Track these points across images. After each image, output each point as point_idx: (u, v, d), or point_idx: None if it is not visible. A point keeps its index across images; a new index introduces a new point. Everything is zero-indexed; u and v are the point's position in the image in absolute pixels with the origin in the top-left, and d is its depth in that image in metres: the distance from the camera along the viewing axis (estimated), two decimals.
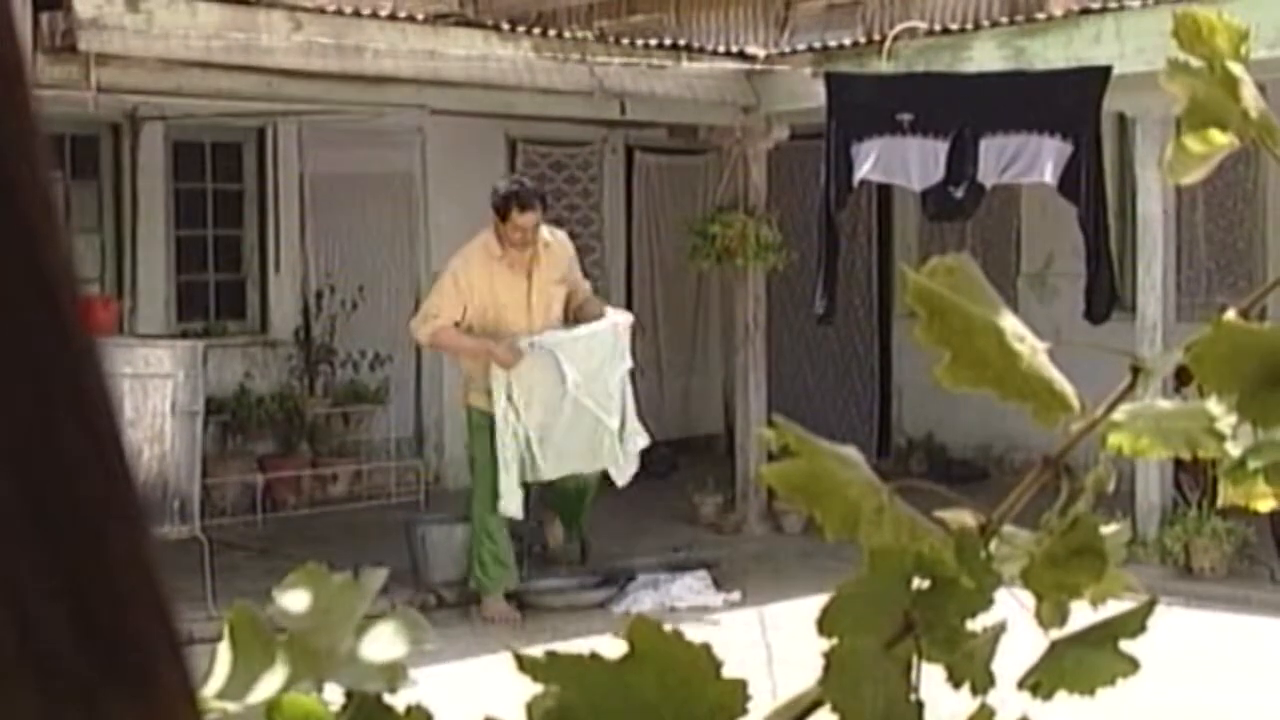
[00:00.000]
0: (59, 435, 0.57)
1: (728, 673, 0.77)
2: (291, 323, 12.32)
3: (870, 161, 10.26)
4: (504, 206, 8.98)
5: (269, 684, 0.81)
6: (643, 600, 9.22)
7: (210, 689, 0.81)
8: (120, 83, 8.98)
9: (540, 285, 9.06)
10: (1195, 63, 0.92)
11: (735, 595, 9.47)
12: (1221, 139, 0.94)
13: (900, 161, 10.23)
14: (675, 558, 10.05)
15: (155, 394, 8.68)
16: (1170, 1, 9.35)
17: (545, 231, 9.14)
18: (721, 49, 11.72)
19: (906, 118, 10.11)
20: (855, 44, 11.11)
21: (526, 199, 9.01)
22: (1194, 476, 9.48)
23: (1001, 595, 0.83)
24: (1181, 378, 0.91)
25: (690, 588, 9.52)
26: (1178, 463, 9.44)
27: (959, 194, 10.14)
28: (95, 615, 0.57)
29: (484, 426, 8.93)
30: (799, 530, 10.68)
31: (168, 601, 0.59)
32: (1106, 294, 9.98)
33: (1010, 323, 0.88)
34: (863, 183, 10.58)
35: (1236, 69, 0.93)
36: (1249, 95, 0.94)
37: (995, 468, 12.75)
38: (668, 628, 0.78)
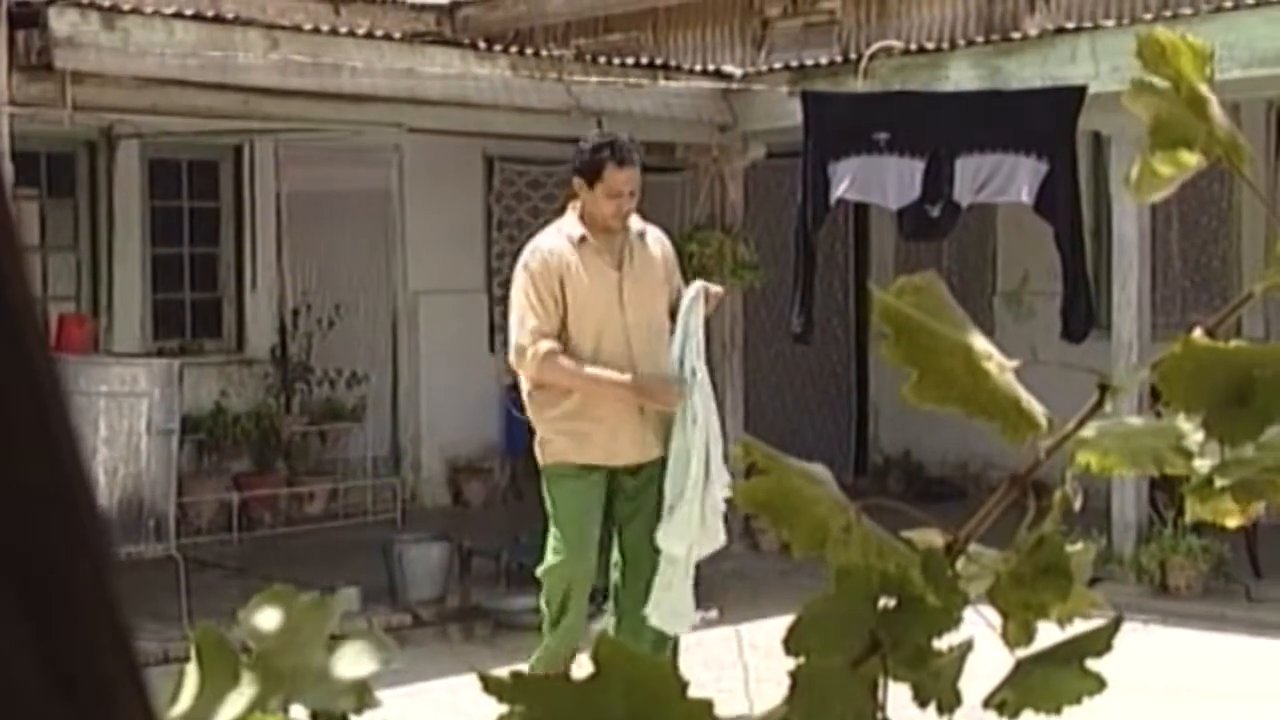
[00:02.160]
0: (22, 470, 0.57)
1: (703, 691, 0.77)
2: (268, 341, 12.29)
3: (847, 180, 10.29)
4: (593, 163, 6.86)
5: (235, 704, 0.81)
6: None
7: (177, 710, 0.81)
8: (96, 100, 8.97)
9: (635, 279, 6.92)
10: (1160, 83, 0.92)
11: (713, 613, 9.45)
12: (1189, 159, 0.94)
13: (877, 180, 10.26)
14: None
15: (131, 412, 8.66)
16: (1145, 21, 9.41)
17: (636, 220, 7.11)
18: (698, 68, 11.74)
19: (883, 137, 10.14)
20: (832, 63, 11.14)
21: (624, 152, 6.93)
22: (1169, 494, 9.50)
23: (968, 614, 0.83)
24: (1156, 395, 0.92)
25: None
26: (1153, 481, 9.46)
27: (935, 213, 10.17)
28: (55, 648, 0.56)
29: (571, 482, 6.85)
30: (777, 548, 10.67)
31: (128, 633, 0.59)
32: (1083, 313, 10.01)
33: (977, 341, 0.88)
34: (839, 201, 10.60)
35: (1202, 89, 0.93)
36: (1216, 114, 0.95)
37: (973, 486, 12.75)
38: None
